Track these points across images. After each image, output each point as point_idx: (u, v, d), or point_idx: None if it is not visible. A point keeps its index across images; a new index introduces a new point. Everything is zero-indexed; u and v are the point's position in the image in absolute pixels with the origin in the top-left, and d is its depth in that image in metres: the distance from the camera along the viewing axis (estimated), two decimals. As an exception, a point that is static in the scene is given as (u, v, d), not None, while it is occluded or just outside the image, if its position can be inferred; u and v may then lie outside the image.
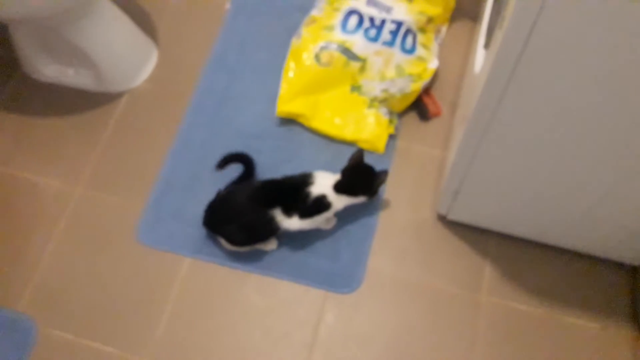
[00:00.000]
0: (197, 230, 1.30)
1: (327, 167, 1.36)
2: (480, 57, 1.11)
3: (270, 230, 1.18)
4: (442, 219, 1.31)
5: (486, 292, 1.25)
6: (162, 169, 1.39)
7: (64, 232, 1.32)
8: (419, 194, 1.35)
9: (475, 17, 1.57)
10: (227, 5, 1.63)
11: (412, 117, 1.46)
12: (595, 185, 0.97)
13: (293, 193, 1.16)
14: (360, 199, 1.21)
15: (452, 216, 1.27)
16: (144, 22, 1.57)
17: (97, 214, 1.34)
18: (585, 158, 0.91)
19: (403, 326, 1.22)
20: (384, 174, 1.21)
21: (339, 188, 1.18)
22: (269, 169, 1.36)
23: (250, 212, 1.16)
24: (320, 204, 1.16)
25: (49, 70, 1.50)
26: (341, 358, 1.19)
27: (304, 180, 1.17)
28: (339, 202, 1.18)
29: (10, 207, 1.36)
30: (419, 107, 1.45)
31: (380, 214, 1.32)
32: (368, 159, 1.36)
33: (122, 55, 1.46)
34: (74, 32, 1.33)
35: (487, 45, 1.01)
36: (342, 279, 1.26)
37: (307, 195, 1.15)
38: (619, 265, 1.25)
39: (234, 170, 1.33)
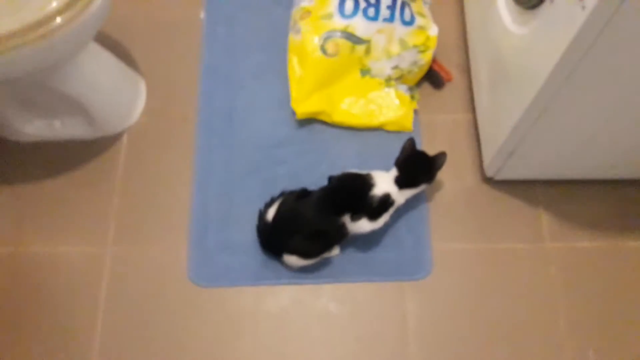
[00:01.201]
0: (252, 257, 1.24)
1: (359, 159, 1.34)
2: (506, 13, 1.10)
3: (342, 235, 1.15)
4: (488, 181, 1.32)
5: (549, 239, 1.27)
6: (192, 203, 1.30)
7: (109, 298, 1.21)
8: (458, 161, 1.34)
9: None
10: (201, 15, 1.53)
11: (426, 88, 1.44)
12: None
13: (358, 197, 1.13)
14: (421, 188, 1.19)
15: (500, 176, 1.28)
16: (120, 53, 1.44)
17: (139, 270, 1.24)
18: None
19: (483, 293, 1.22)
20: (442, 156, 1.19)
21: (401, 183, 1.15)
22: (300, 176, 1.31)
23: (322, 222, 1.12)
24: (386, 203, 1.14)
25: (31, 127, 1.34)
26: (437, 341, 1.18)
27: (365, 182, 1.14)
28: (402, 196, 1.17)
29: (40, 289, 1.22)
30: (431, 76, 1.43)
31: (428, 192, 1.31)
32: (396, 139, 1.35)
33: (113, 93, 1.34)
34: (59, 81, 1.19)
35: (524, 2, 1.00)
36: (413, 266, 1.24)
37: (372, 197, 1.12)
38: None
39: (267, 188, 1.27)
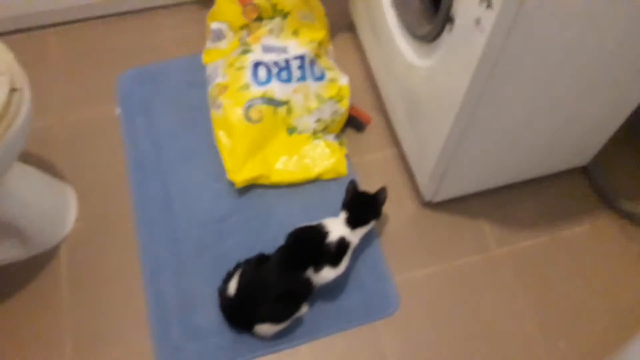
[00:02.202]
0: (221, 337, 1.21)
1: (305, 212, 1.37)
2: (408, 49, 1.20)
3: (309, 290, 1.16)
4: (427, 205, 1.39)
5: (496, 246, 1.35)
6: (146, 298, 1.26)
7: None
8: (396, 193, 1.41)
9: (349, 27, 1.68)
10: (117, 112, 1.53)
11: (350, 134, 1.52)
12: (561, 120, 1.14)
13: (316, 248, 1.15)
14: (371, 225, 1.23)
15: (438, 198, 1.35)
16: (43, 165, 1.40)
17: (106, 380, 1.17)
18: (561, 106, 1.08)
19: (452, 311, 1.26)
20: (383, 191, 1.24)
21: (353, 223, 1.19)
22: (251, 243, 1.31)
23: (288, 282, 1.13)
24: (343, 246, 1.17)
25: (-43, 261, 1.26)
26: (423, 372, 1.20)
27: (320, 232, 1.16)
28: (355, 236, 1.20)
29: None
30: (352, 122, 1.51)
31: (377, 228, 1.35)
32: (335, 186, 1.40)
33: (43, 208, 1.29)
34: (-17, 206, 1.14)
35: (423, 37, 1.10)
36: (381, 303, 1.26)
37: (329, 244, 1.15)
38: (573, 171, 1.44)
39: (220, 264, 1.26)
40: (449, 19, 0.99)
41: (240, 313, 1.16)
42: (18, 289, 1.26)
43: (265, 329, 1.15)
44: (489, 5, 0.83)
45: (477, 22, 0.87)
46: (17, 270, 1.28)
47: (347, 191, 1.25)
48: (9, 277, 1.27)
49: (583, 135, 1.26)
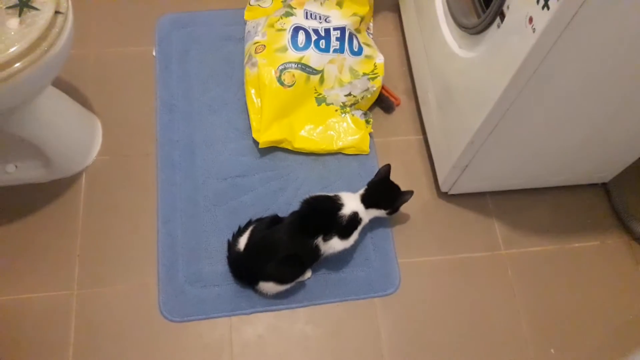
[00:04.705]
0: (224, 287, 1.24)
1: (322, 182, 1.39)
2: (451, 39, 1.20)
3: (316, 257, 1.18)
4: (444, 196, 1.40)
5: (503, 246, 1.36)
6: (158, 238, 1.29)
7: (79, 342, 1.17)
8: (414, 180, 1.42)
9: (394, 7, 1.67)
10: (154, 52, 1.54)
11: (377, 113, 1.52)
12: (591, 132, 1.13)
13: (329, 218, 1.17)
14: (382, 213, 1.25)
15: (455, 191, 1.36)
16: (74, 94, 1.42)
17: (109, 310, 1.21)
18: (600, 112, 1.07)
19: (449, 302, 1.29)
20: (408, 193, 1.26)
21: (367, 202, 1.21)
22: (266, 203, 1.34)
23: (296, 246, 1.15)
24: (355, 221, 1.19)
25: (-18, 174, 1.30)
26: (410, 351, 1.22)
27: (334, 203, 1.18)
28: (368, 215, 1.22)
29: (5, 339, 1.16)
30: (381, 102, 1.51)
31: (389, 210, 1.37)
32: (355, 162, 1.42)
33: (69, 135, 1.32)
34: (16, 124, 1.17)
35: (470, 28, 1.10)
36: (382, 282, 1.29)
37: (342, 216, 1.17)
38: (593, 186, 1.45)
39: (234, 218, 1.29)
40: (500, 14, 0.99)
41: (247, 268, 1.19)
42: (38, 208, 1.30)
43: (268, 287, 1.18)
44: (545, 6, 0.82)
45: (530, 20, 0.87)
46: (39, 191, 1.32)
47: (379, 172, 1.26)
48: (31, 197, 1.31)
49: (610, 151, 1.26)
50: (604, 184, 1.45)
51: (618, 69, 0.96)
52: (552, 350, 1.25)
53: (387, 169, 1.27)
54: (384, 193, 1.25)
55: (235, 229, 1.28)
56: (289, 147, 1.41)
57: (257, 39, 1.45)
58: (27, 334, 1.17)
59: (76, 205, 1.31)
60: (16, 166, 1.31)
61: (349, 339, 1.22)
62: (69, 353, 1.15)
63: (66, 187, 1.33)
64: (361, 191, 1.24)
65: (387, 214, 1.26)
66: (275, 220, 1.22)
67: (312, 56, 1.41)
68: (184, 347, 1.18)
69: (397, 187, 1.27)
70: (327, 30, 1.45)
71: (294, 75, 1.39)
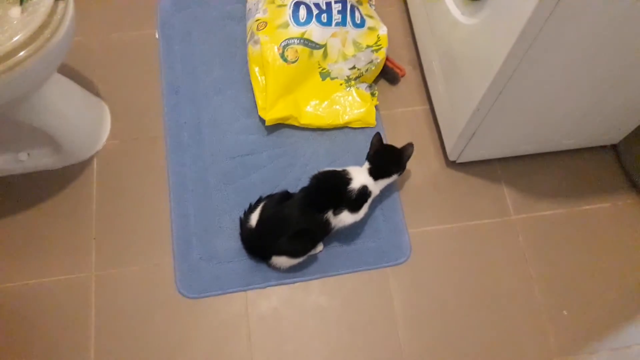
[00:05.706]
0: (238, 263, 1.27)
1: (330, 157, 1.40)
2: (454, 6, 1.18)
3: (327, 231, 1.19)
4: (452, 164, 1.40)
5: (513, 212, 1.37)
6: (171, 218, 1.31)
7: (100, 323, 1.20)
8: (421, 150, 1.42)
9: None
10: (156, 35, 1.54)
11: (382, 85, 1.52)
12: (597, 94, 1.12)
13: (338, 193, 1.18)
14: (393, 178, 1.26)
15: (463, 159, 1.36)
16: (80, 80, 1.44)
17: (128, 290, 1.24)
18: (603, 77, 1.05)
19: (461, 269, 1.30)
20: (410, 146, 1.26)
21: (376, 174, 1.22)
22: (275, 180, 1.35)
23: (307, 220, 1.16)
24: (365, 194, 1.20)
25: (-5, 163, 1.32)
26: (423, 318, 1.24)
27: (343, 178, 1.19)
28: (377, 187, 1.24)
29: (26, 323, 1.20)
30: (386, 73, 1.51)
31: (398, 181, 1.38)
32: (362, 135, 1.42)
33: (79, 120, 1.33)
34: (26, 113, 1.18)
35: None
36: (393, 252, 1.30)
37: (351, 190, 1.18)
38: (602, 148, 1.44)
39: (244, 196, 1.31)
40: (501, -24, 0.98)
41: (260, 244, 1.22)
42: (52, 194, 1.32)
43: (281, 261, 1.20)
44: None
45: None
46: (52, 178, 1.34)
47: (372, 144, 1.27)
48: (44, 183, 1.34)
49: (618, 112, 1.25)
50: (613, 146, 1.44)
51: (623, 29, 0.94)
52: (564, 312, 1.26)
53: (378, 137, 1.27)
54: (388, 160, 1.25)
55: (246, 206, 1.30)
56: (296, 124, 1.41)
57: (258, 16, 1.44)
58: (50, 316, 1.20)
59: (89, 190, 1.34)
60: (28, 154, 1.33)
61: (363, 308, 1.24)
62: (90, 332, 1.19)
63: (79, 173, 1.36)
64: (366, 165, 1.24)
65: (398, 175, 1.27)
66: (285, 196, 1.23)
67: (314, 31, 1.40)
68: (203, 322, 1.21)
69: (396, 149, 1.27)
70: (329, 4, 1.44)
71: (297, 51, 1.39)
